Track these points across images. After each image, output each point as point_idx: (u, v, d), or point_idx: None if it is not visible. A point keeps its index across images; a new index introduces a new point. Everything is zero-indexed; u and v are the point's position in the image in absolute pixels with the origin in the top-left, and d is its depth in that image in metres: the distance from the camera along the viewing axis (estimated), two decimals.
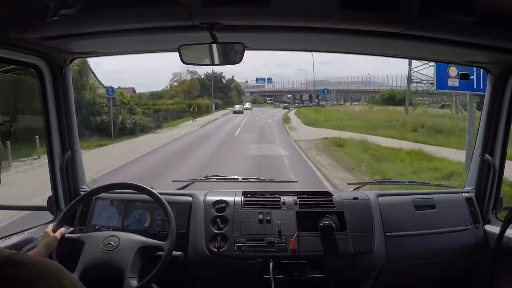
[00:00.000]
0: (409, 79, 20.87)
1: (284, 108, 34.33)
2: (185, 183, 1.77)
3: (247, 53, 1.23)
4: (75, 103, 1.62)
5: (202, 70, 36.91)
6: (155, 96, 29.98)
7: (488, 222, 1.65)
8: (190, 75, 33.61)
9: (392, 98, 25.36)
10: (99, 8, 1.05)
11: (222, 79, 37.40)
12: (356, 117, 20.13)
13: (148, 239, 1.34)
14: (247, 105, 34.38)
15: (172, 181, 1.81)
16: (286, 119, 23.33)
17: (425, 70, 19.82)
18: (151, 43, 1.43)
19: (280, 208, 1.54)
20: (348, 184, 2.90)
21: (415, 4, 1.01)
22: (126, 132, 15.39)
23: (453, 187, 2.26)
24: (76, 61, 1.69)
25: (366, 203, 1.57)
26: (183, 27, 1.13)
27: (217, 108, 32.45)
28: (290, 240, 1.45)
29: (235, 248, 1.44)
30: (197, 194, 1.59)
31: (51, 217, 1.58)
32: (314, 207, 1.54)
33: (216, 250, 1.44)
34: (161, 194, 1.39)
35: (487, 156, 1.63)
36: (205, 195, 1.58)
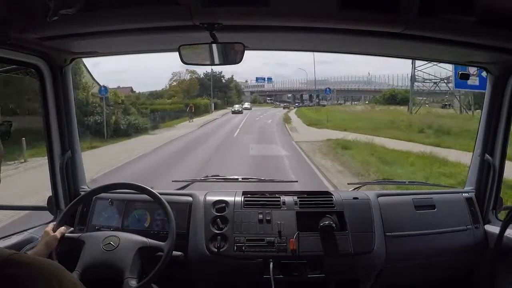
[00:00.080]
0: (413, 79, 20.40)
1: (284, 107, 34.00)
2: (185, 183, 1.77)
3: (247, 53, 1.23)
4: (75, 103, 1.62)
5: (202, 70, 36.73)
6: (154, 95, 29.69)
7: (488, 222, 1.66)
8: (190, 74, 33.30)
9: (393, 97, 25.11)
10: (99, 8, 1.05)
11: (222, 78, 37.17)
12: (359, 117, 19.46)
13: (148, 239, 1.33)
14: (246, 104, 33.95)
15: (172, 181, 1.81)
16: (287, 119, 23.02)
17: (429, 69, 19.74)
18: (151, 43, 1.43)
19: (280, 208, 1.54)
20: (348, 184, 2.89)
21: (415, 4, 1.01)
22: (120, 133, 14.63)
23: (453, 186, 2.26)
24: None
25: (366, 203, 1.57)
26: (183, 27, 1.13)
27: (217, 107, 32.18)
28: (290, 240, 1.45)
29: (235, 248, 1.44)
30: (197, 194, 1.59)
31: (51, 217, 1.58)
32: (314, 207, 1.54)
33: (216, 250, 1.44)
34: (161, 194, 1.39)
35: (487, 156, 1.63)
36: (205, 195, 1.58)
